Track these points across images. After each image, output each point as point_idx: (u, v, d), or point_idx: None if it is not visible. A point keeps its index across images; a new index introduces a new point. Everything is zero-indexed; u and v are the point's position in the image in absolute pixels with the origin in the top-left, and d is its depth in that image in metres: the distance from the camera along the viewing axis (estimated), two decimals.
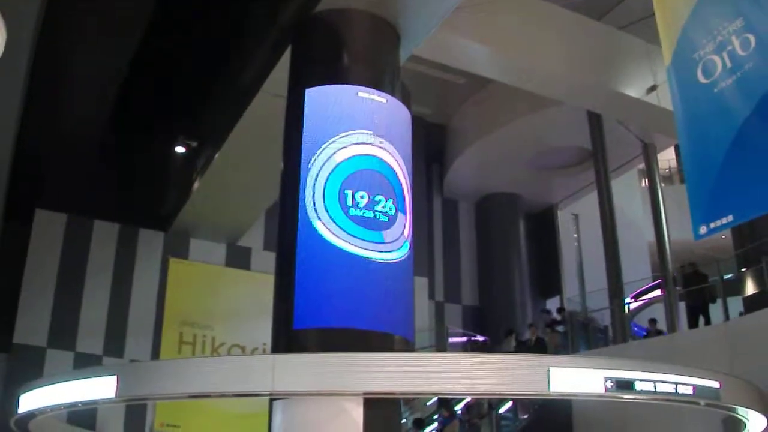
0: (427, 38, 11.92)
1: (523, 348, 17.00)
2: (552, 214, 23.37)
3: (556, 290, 22.40)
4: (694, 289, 14.83)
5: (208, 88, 14.74)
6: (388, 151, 10.29)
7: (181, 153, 16.29)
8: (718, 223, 8.54)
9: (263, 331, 11.52)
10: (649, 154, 18.91)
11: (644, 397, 8.32)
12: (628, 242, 20.15)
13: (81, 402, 9.06)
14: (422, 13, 11.16)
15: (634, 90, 15.75)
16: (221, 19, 13.41)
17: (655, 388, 8.25)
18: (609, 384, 8.07)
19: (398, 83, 11.09)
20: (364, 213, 9.78)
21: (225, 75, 14.17)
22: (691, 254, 18.65)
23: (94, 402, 9.19)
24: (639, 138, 18.70)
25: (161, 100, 15.31)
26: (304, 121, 10.24)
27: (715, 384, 8.66)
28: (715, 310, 14.08)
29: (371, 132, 10.23)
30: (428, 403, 17.21)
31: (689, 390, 8.42)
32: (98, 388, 8.61)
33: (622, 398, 8.40)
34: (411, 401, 16.78)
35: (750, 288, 13.96)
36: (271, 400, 9.25)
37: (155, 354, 17.17)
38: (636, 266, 21.16)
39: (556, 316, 18.74)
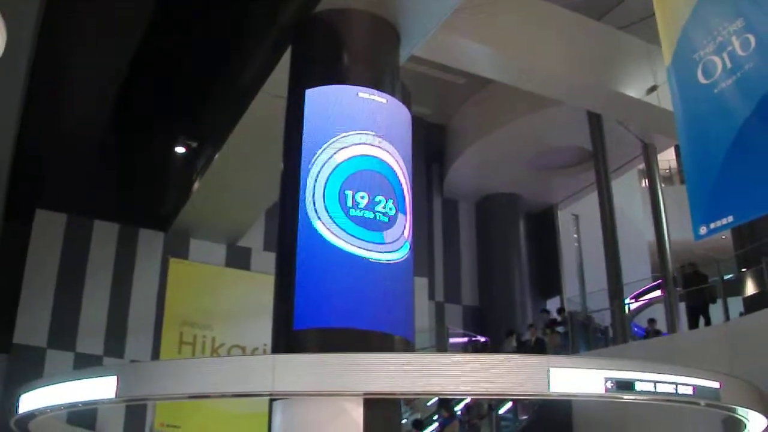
0: (427, 38, 11.92)
1: (523, 348, 16.99)
2: (552, 214, 23.36)
3: (556, 290, 22.39)
4: (694, 289, 14.82)
5: (208, 89, 14.74)
6: (388, 152, 10.29)
7: (181, 153, 16.29)
8: (718, 223, 8.54)
9: (263, 331, 11.52)
10: (649, 154, 18.90)
11: (644, 397, 8.33)
12: (628, 242, 20.14)
13: (81, 402, 9.06)
14: (422, 13, 11.16)
15: (634, 90, 15.75)
16: (221, 19, 13.42)
17: (655, 388, 8.26)
18: (609, 384, 8.08)
19: (398, 83, 11.09)
20: (364, 213, 9.78)
21: (225, 75, 14.17)
22: (691, 254, 18.65)
23: (95, 402, 9.21)
24: (639, 138, 18.69)
25: (161, 100, 15.31)
26: (305, 121, 10.25)
27: (715, 384, 8.66)
28: (716, 310, 14.07)
29: (371, 132, 10.23)
30: (429, 404, 17.21)
31: (689, 390, 8.43)
32: (98, 388, 8.62)
33: (622, 399, 8.41)
34: (411, 401, 16.77)
35: (750, 288, 13.96)
36: (271, 401, 9.25)
37: (155, 354, 17.17)
38: (636, 266, 21.16)
39: (555, 316, 18.74)
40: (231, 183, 15.89)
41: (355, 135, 10.12)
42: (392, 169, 10.27)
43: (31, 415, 9.72)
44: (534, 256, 22.88)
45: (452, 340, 20.20)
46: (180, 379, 8.45)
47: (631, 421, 13.02)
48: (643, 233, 22.58)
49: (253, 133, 13.84)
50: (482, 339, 20.11)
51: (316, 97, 10.40)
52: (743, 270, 14.76)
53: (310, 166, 9.95)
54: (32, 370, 14.96)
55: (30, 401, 9.58)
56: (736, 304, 14.01)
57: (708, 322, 14.12)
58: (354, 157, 10.01)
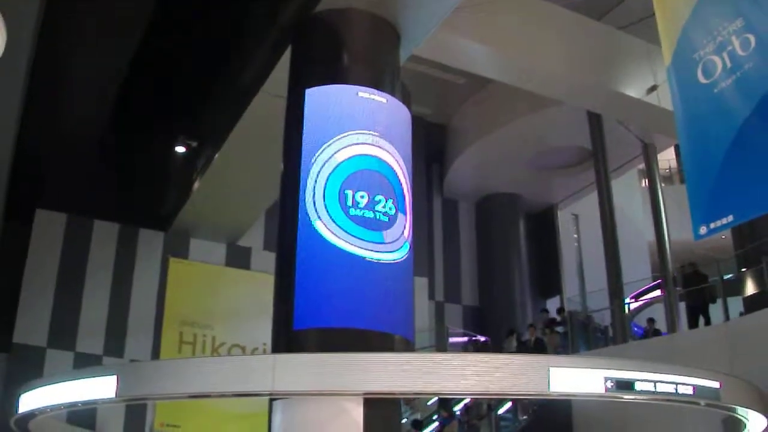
0: (427, 38, 11.92)
1: (523, 348, 16.99)
2: (552, 214, 23.37)
3: (556, 290, 22.40)
4: (694, 289, 14.83)
5: (208, 88, 14.74)
6: (388, 151, 10.29)
7: (181, 153, 16.29)
8: (718, 223, 8.54)
9: (263, 331, 11.53)
10: (649, 154, 18.91)
11: (644, 397, 8.33)
12: (628, 242, 20.15)
13: (81, 402, 9.06)
14: (422, 13, 11.16)
15: (634, 90, 15.75)
16: (221, 19, 13.42)
17: (655, 388, 8.25)
18: (609, 384, 8.07)
19: (398, 83, 11.09)
20: (364, 213, 9.78)
21: (225, 75, 14.17)
22: (691, 254, 18.65)
23: (94, 402, 9.20)
24: (639, 138, 18.70)
25: (161, 100, 15.31)
26: (304, 121, 10.24)
27: (715, 384, 8.66)
28: (715, 310, 14.08)
29: (371, 132, 10.23)
30: (429, 403, 17.21)
31: (689, 390, 8.42)
32: (98, 387, 8.61)
33: (622, 398, 8.41)
34: (411, 401, 16.77)
35: (750, 288, 13.96)
36: (271, 400, 9.25)
37: (155, 354, 17.17)
38: (636, 266, 21.16)
39: (554, 316, 18.75)
40: (231, 182, 15.89)
41: (355, 135, 10.12)
42: (392, 168, 10.27)
43: (31, 415, 9.72)
44: (534, 255, 22.88)
45: (452, 339, 20.21)
46: (180, 378, 8.45)
47: (631, 421, 13.02)
48: (643, 233, 22.59)
49: (253, 132, 13.84)
50: (482, 339, 20.11)
51: (316, 96, 10.40)
52: (743, 270, 14.77)
53: (310, 165, 9.95)
54: (32, 369, 14.95)
55: (30, 401, 9.58)
56: (736, 304, 14.01)
57: (708, 322, 14.13)
58: (354, 156, 10.01)
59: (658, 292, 18.33)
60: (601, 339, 17.30)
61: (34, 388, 9.62)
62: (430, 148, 21.84)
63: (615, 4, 16.43)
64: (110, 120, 16.06)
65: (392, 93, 10.73)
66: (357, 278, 9.52)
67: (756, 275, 13.83)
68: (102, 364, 16.01)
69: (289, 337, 9.46)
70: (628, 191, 23.18)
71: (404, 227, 10.17)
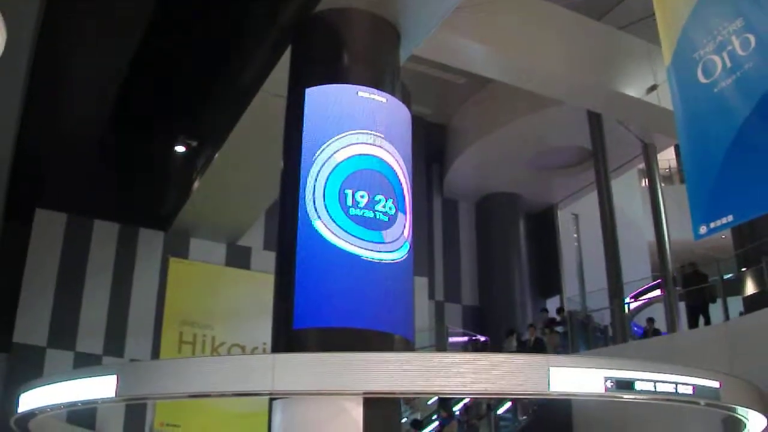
0: (428, 38, 11.92)
1: (523, 348, 16.99)
2: (552, 214, 23.37)
3: (556, 290, 22.40)
4: (694, 289, 14.83)
5: (208, 88, 14.74)
6: (388, 151, 10.29)
7: (181, 152, 16.29)
8: (718, 222, 8.54)
9: (263, 330, 11.53)
10: (649, 154, 18.91)
11: (644, 397, 8.33)
12: (628, 242, 20.14)
13: (81, 401, 9.06)
14: (422, 12, 11.17)
15: (634, 90, 15.75)
16: (221, 19, 13.41)
17: (655, 388, 8.26)
18: (609, 384, 8.08)
19: (398, 83, 11.10)
20: (364, 213, 9.78)
21: (225, 75, 14.17)
22: (691, 254, 18.66)
23: (94, 401, 9.20)
24: (639, 138, 18.70)
25: (161, 99, 15.31)
26: (304, 120, 10.25)
27: (715, 384, 8.66)
28: (715, 310, 14.08)
29: (371, 132, 10.23)
30: (429, 402, 17.21)
31: (689, 390, 8.43)
32: (98, 387, 8.62)
33: (622, 398, 8.41)
34: (411, 400, 16.77)
35: (750, 288, 13.96)
36: (271, 400, 9.25)
37: (155, 353, 17.17)
38: (636, 266, 21.16)
39: (554, 315, 18.75)
40: (231, 182, 15.89)
41: (355, 134, 10.12)
42: (392, 168, 10.27)
43: (30, 414, 9.73)
44: (534, 255, 22.89)
45: (452, 339, 20.21)
46: (180, 378, 8.45)
47: (631, 421, 13.02)
48: (643, 233, 22.59)
49: (253, 132, 13.84)
50: (482, 338, 20.11)
51: (316, 96, 10.40)
52: (743, 269, 14.77)
53: (310, 165, 9.95)
54: (32, 369, 14.95)
55: (30, 400, 9.58)
56: (735, 304, 14.02)
57: (708, 322, 14.13)
58: (354, 156, 10.01)
59: (657, 292, 18.34)
60: (600, 339, 17.31)
61: (34, 388, 9.62)
62: (430, 148, 21.85)
63: (615, 4, 16.43)
64: (110, 120, 16.05)
65: (392, 93, 10.74)
66: (357, 278, 9.53)
67: (756, 275, 13.83)
68: (102, 363, 16.01)
69: (288, 336, 9.46)
70: (628, 191, 23.18)
71: (404, 227, 10.17)
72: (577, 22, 15.46)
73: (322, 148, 9.99)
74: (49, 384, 9.47)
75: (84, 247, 17.43)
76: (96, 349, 16.75)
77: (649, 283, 19.93)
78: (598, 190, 18.72)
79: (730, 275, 15.06)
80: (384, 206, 9.94)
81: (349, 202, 9.77)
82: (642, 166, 20.74)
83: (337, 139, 10.03)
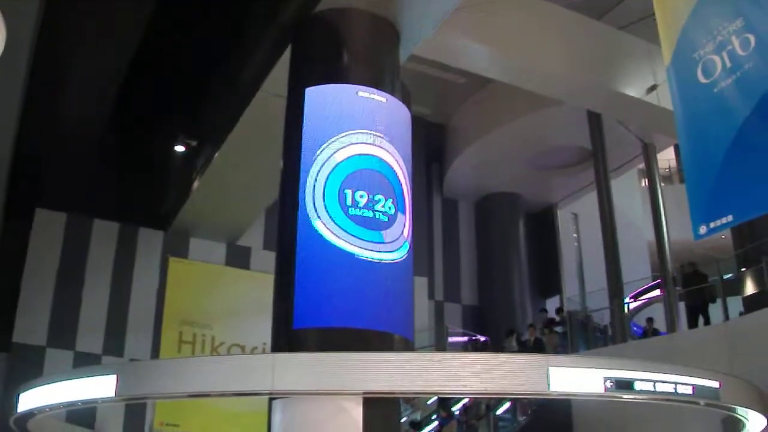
0: (427, 38, 11.92)
1: (522, 348, 16.99)
2: (552, 214, 23.37)
3: (556, 290, 22.41)
4: (693, 289, 14.83)
5: (207, 88, 14.75)
6: (387, 151, 10.29)
7: (181, 152, 16.30)
8: (718, 222, 8.53)
9: (263, 330, 11.53)
10: (648, 153, 18.90)
11: (644, 396, 8.33)
12: (628, 242, 20.14)
13: (80, 401, 9.06)
14: (422, 12, 11.17)
15: (634, 90, 15.74)
16: (221, 19, 13.41)
17: (655, 387, 8.26)
18: (608, 384, 8.08)
19: (398, 83, 11.09)
20: (363, 213, 9.78)
21: (225, 74, 14.17)
22: (691, 254, 18.65)
23: (94, 401, 9.19)
24: (639, 138, 18.69)
25: (161, 99, 15.31)
26: (304, 120, 10.25)
27: (715, 384, 8.66)
28: (715, 310, 14.07)
29: (371, 131, 10.23)
30: (429, 402, 17.21)
31: (689, 390, 8.43)
32: (98, 387, 8.62)
33: (622, 398, 8.41)
34: (411, 400, 16.77)
35: (750, 288, 13.95)
36: (271, 400, 9.25)
37: (155, 353, 17.18)
38: (636, 266, 21.16)
39: (553, 315, 18.74)
40: (231, 182, 15.89)
41: (354, 134, 10.13)
42: (392, 168, 10.27)
43: (30, 414, 9.72)
44: (534, 255, 22.88)
45: (451, 339, 20.20)
46: (180, 377, 8.45)
47: (631, 421, 13.02)
48: (642, 232, 22.58)
49: (253, 131, 13.85)
50: (482, 338, 20.11)
51: (316, 96, 10.40)
52: (743, 269, 14.76)
53: (309, 165, 9.95)
54: (32, 368, 14.96)
55: (29, 400, 9.58)
56: (735, 304, 14.01)
57: (707, 322, 14.12)
58: (353, 156, 10.02)
59: (657, 292, 18.33)
60: (600, 339, 17.30)
61: (33, 388, 9.62)
62: (430, 148, 21.85)
63: (615, 4, 16.43)
64: (110, 120, 16.05)
65: (392, 92, 10.74)
66: (356, 278, 9.53)
67: (756, 275, 13.83)
68: (101, 363, 16.02)
69: (288, 336, 9.47)
70: (628, 191, 23.17)
71: (404, 227, 10.17)
72: (577, 22, 15.45)
73: (321, 148, 10.00)
74: (48, 383, 9.47)
75: (84, 247, 17.44)
76: (96, 348, 16.76)
77: (649, 283, 19.93)
78: (597, 189, 18.71)
79: (730, 275, 15.06)
80: (384, 206, 9.95)
81: (349, 201, 9.77)
82: (642, 166, 20.73)
83: (337, 139, 10.04)
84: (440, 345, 19.78)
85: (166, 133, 15.97)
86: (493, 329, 20.58)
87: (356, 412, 8.64)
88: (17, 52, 10.17)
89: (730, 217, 8.44)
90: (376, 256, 9.70)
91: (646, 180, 20.10)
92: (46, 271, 16.88)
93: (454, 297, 22.07)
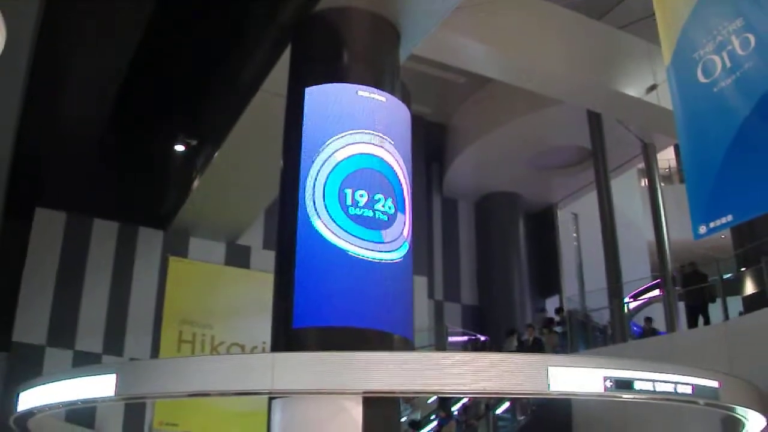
0: (427, 37, 11.93)
1: (522, 348, 16.99)
2: (552, 214, 23.37)
3: (556, 290, 22.40)
4: (693, 288, 14.82)
5: (207, 87, 14.74)
6: (387, 150, 10.30)
7: (181, 151, 16.29)
8: (718, 222, 8.54)
9: (263, 329, 11.53)
10: (648, 153, 18.91)
11: (643, 396, 8.34)
12: (628, 242, 20.14)
13: (80, 400, 9.06)
14: (422, 12, 11.17)
15: (634, 89, 15.75)
16: (221, 19, 13.41)
17: (654, 387, 8.27)
18: (608, 383, 8.09)
19: (398, 82, 11.10)
20: (363, 212, 9.79)
21: (225, 74, 14.17)
22: (691, 254, 18.63)
23: (94, 400, 9.19)
24: (639, 137, 18.70)
25: (161, 99, 15.31)
26: (304, 119, 10.25)
27: (715, 384, 8.67)
28: (715, 309, 14.07)
29: (371, 131, 10.23)
30: (429, 401, 17.21)
31: (688, 389, 8.43)
32: (98, 386, 8.62)
33: (622, 398, 8.42)
34: (411, 399, 16.77)
35: (749, 288, 13.94)
36: (270, 399, 9.25)
37: (155, 352, 17.18)
38: (635, 266, 21.15)
39: (552, 315, 18.73)
40: (230, 181, 15.89)
41: (354, 134, 10.13)
42: (392, 167, 10.28)
43: (30, 413, 9.72)
44: (533, 255, 22.88)
45: (451, 338, 20.20)
46: (179, 377, 8.45)
47: (631, 421, 13.02)
48: (642, 232, 22.58)
49: (253, 131, 13.85)
50: (483, 338, 20.11)
51: (316, 95, 10.41)
52: (742, 269, 14.76)
53: (309, 164, 9.95)
54: (31, 368, 14.94)
55: (29, 399, 9.58)
56: (735, 304, 14.01)
57: (707, 322, 14.12)
58: (353, 155, 10.02)
59: (657, 292, 18.33)
60: (600, 338, 17.30)
61: (33, 387, 9.62)
62: (430, 148, 21.84)
63: (615, 4, 16.44)
64: (110, 119, 16.05)
65: (392, 92, 10.74)
66: (356, 277, 9.53)
67: (755, 275, 13.82)
68: (101, 362, 16.01)
69: (288, 335, 9.47)
70: (628, 191, 23.17)
71: (403, 226, 10.17)
72: (577, 21, 15.46)
73: (321, 148, 10.00)
74: (48, 383, 9.47)
75: (83, 246, 17.43)
76: (95, 347, 16.75)
77: (649, 282, 19.92)
78: (597, 189, 18.72)
79: (730, 275, 15.05)
80: (383, 205, 9.95)
81: (349, 201, 9.78)
82: (642, 165, 20.73)
83: (337, 139, 10.04)
84: (440, 345, 19.77)
85: (166, 132, 15.97)
86: (492, 329, 20.58)
87: (356, 411, 8.64)
88: (17, 52, 10.17)
89: (729, 217, 8.46)
90: (375, 256, 9.70)
91: (646, 180, 20.10)
92: (46, 271, 16.87)
93: (453, 296, 22.07)
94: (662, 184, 19.10)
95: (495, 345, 19.16)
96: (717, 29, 8.74)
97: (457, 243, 22.79)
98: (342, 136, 10.06)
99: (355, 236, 9.65)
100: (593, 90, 16.02)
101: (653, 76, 15.48)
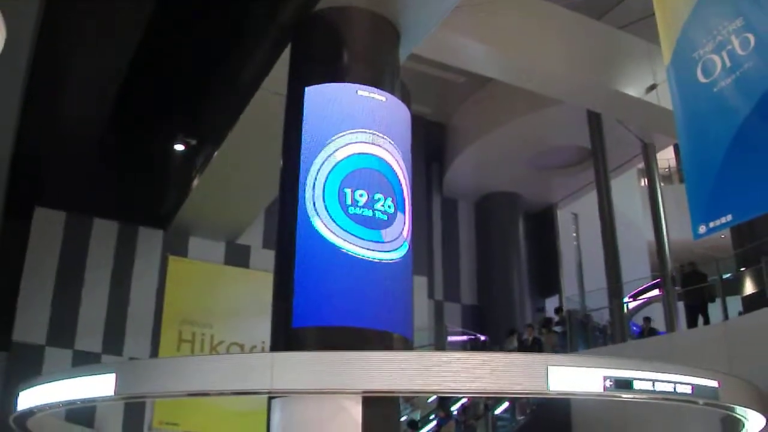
0: (427, 37, 11.92)
1: (522, 348, 17.00)
2: (552, 214, 23.39)
3: (556, 290, 22.41)
4: (693, 288, 14.83)
5: (207, 87, 14.74)
6: (387, 150, 10.29)
7: (181, 151, 16.29)
8: (717, 222, 8.54)
9: (262, 329, 11.53)
10: (648, 153, 18.92)
11: (643, 396, 8.33)
12: (628, 242, 20.15)
13: (80, 400, 9.07)
14: (422, 11, 11.17)
15: (634, 89, 15.76)
16: (221, 19, 13.41)
17: (654, 387, 8.26)
18: (608, 383, 8.08)
19: (398, 82, 11.10)
20: (363, 212, 9.78)
21: (225, 73, 14.17)
22: (691, 254, 18.65)
23: (93, 400, 9.19)
24: (638, 137, 18.71)
25: (160, 98, 15.31)
26: (304, 119, 10.25)
27: (714, 383, 8.67)
28: (714, 309, 14.07)
29: (371, 130, 10.23)
30: (429, 401, 17.22)
31: (688, 389, 8.43)
32: (97, 385, 8.62)
33: (621, 397, 8.41)
34: (411, 399, 16.78)
35: (749, 287, 13.95)
36: (270, 398, 9.26)
37: (154, 352, 17.18)
38: (635, 266, 21.17)
39: (552, 315, 18.73)
40: (230, 181, 15.90)
41: (354, 133, 10.12)
42: (391, 167, 10.27)
43: (29, 413, 9.73)
44: (533, 255, 22.90)
45: (451, 338, 20.22)
46: (179, 376, 8.45)
47: (631, 421, 13.03)
48: (642, 232, 22.60)
49: (253, 130, 13.85)
50: (483, 338, 20.12)
51: (316, 94, 10.40)
52: (742, 269, 14.76)
53: (309, 164, 9.95)
54: (31, 367, 14.97)
55: (29, 399, 9.58)
56: (735, 304, 14.01)
57: (707, 321, 14.12)
58: (353, 155, 10.02)
59: (656, 292, 18.33)
60: (599, 338, 17.30)
61: (32, 386, 9.62)
62: (430, 147, 21.86)
63: (615, 4, 16.45)
64: (110, 119, 16.05)
65: (392, 92, 10.74)
66: (356, 277, 9.53)
67: (755, 275, 13.83)
68: (101, 362, 16.01)
69: (288, 335, 9.46)
70: (628, 191, 23.19)
71: (403, 226, 10.17)
72: (577, 21, 15.46)
73: (321, 147, 9.99)
74: (48, 382, 9.47)
75: (83, 246, 17.43)
76: (95, 347, 16.75)
77: (648, 282, 19.93)
78: (597, 189, 18.73)
79: (729, 275, 15.06)
80: (383, 205, 9.95)
81: (349, 201, 9.77)
82: (641, 165, 20.75)
83: (337, 138, 10.04)
84: (440, 344, 19.79)
85: (166, 132, 15.97)
86: (492, 329, 20.60)
87: (356, 411, 8.64)
88: (17, 52, 10.17)
89: (729, 217, 8.46)
90: (375, 256, 9.70)
91: (646, 180, 20.11)
92: (46, 270, 16.87)
93: (453, 296, 22.08)
94: (662, 184, 19.11)
95: (495, 345, 19.16)
96: (717, 29, 8.74)
97: (457, 243, 22.80)
98: (342, 136, 10.06)
99: (354, 236, 9.64)
100: (593, 90, 16.02)
101: (653, 75, 15.49)
